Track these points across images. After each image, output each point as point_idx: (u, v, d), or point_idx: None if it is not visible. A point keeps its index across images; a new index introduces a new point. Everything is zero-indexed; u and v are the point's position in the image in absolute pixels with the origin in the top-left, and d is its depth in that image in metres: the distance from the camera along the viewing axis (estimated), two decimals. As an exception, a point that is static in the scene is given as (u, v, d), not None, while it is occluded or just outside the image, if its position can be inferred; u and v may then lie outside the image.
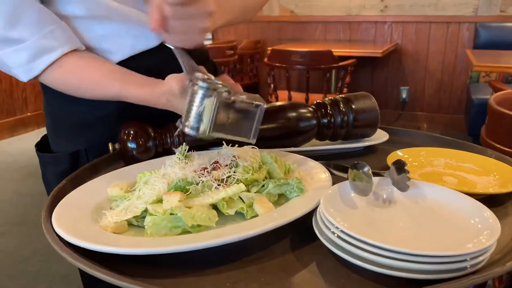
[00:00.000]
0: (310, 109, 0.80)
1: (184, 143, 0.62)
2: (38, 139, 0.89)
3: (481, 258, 0.43)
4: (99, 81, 0.71)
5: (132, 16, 0.75)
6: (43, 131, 0.88)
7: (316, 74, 3.68)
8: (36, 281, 1.92)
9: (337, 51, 3.31)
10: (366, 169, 0.54)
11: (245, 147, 0.64)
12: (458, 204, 0.52)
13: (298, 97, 3.31)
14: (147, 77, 0.70)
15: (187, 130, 0.55)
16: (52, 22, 0.69)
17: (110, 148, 0.71)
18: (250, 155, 0.60)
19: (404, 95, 4.13)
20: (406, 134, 0.92)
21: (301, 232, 0.53)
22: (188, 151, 0.61)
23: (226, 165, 0.57)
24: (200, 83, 0.54)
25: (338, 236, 0.46)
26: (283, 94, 3.31)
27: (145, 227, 0.49)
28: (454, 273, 0.43)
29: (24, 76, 0.71)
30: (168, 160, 0.60)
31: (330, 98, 0.83)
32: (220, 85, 0.54)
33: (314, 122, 0.79)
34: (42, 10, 0.69)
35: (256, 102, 0.56)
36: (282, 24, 4.38)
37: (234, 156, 0.59)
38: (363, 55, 3.42)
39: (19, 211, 2.55)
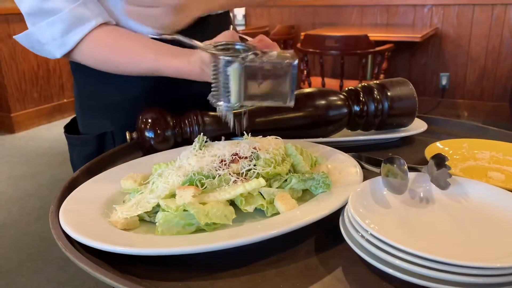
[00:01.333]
0: (341, 96, 0.74)
1: (201, 134, 0.57)
2: None
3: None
4: (133, 52, 0.68)
5: None
6: None
7: (351, 60, 3.57)
8: (68, 265, 1.96)
9: (374, 35, 3.19)
10: (401, 163, 0.48)
11: (269, 137, 0.59)
12: (506, 205, 0.45)
13: (332, 83, 3.22)
14: (181, 48, 0.66)
15: (218, 103, 0.51)
16: None
17: (128, 137, 0.68)
18: (273, 146, 0.55)
19: (444, 82, 3.95)
20: (447, 124, 0.85)
21: (326, 233, 0.48)
22: (206, 142, 0.57)
23: (246, 158, 0.52)
24: (218, 52, 0.49)
25: (367, 240, 0.41)
26: (316, 80, 3.22)
27: (156, 223, 0.46)
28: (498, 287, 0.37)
29: (57, 51, 0.69)
30: (184, 151, 0.56)
31: (363, 84, 0.77)
32: (244, 49, 0.50)
33: (345, 110, 0.73)
34: None
35: (287, 61, 0.50)
36: (316, 8, 4.26)
37: (255, 148, 0.54)
38: (401, 40, 3.28)
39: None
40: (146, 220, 0.49)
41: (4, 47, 3.63)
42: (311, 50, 3.04)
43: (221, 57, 0.49)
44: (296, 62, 0.50)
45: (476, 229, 0.44)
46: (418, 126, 0.79)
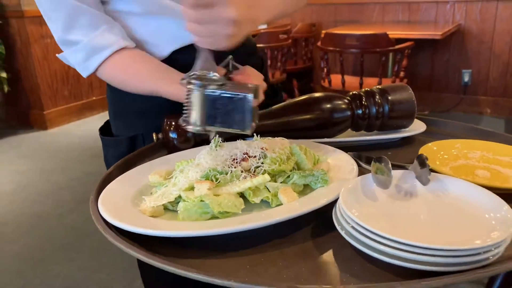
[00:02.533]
0: (345, 100, 0.81)
1: (217, 135, 0.66)
2: (102, 122, 1.01)
3: (491, 254, 0.44)
4: (141, 77, 0.80)
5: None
6: (107, 114, 0.98)
7: (371, 58, 3.59)
8: (99, 255, 2.09)
9: (394, 33, 3.22)
10: (387, 162, 0.56)
11: (276, 138, 0.68)
12: (477, 199, 0.52)
13: (351, 81, 3.27)
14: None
15: (184, 125, 0.60)
16: (102, 23, 0.78)
17: (154, 137, 0.77)
18: (279, 146, 0.64)
19: (466, 79, 3.94)
20: (445, 125, 0.91)
21: (322, 222, 0.56)
22: (221, 142, 0.65)
23: (255, 157, 0.61)
24: (186, 80, 0.58)
25: (353, 228, 0.49)
26: (336, 78, 3.28)
27: (178, 212, 0.55)
28: (464, 266, 0.44)
29: (83, 72, 0.83)
30: (202, 150, 0.65)
31: (366, 89, 0.84)
32: (215, 79, 0.58)
33: (349, 113, 0.80)
34: (94, 14, 0.78)
35: (242, 93, 0.58)
36: (338, 6, 4.30)
37: (263, 148, 0.62)
38: (422, 38, 3.29)
39: (85, 190, 2.75)
40: (169, 208, 0.58)
41: (37, 47, 3.81)
42: (331, 48, 3.10)
43: (187, 86, 0.58)
44: (251, 96, 0.58)
45: (449, 219, 0.52)
46: (418, 127, 0.85)
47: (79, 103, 4.20)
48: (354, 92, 0.84)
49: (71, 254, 2.11)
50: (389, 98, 0.81)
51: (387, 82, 3.18)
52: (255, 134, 0.67)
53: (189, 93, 0.59)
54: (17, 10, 3.67)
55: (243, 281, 0.43)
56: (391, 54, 3.44)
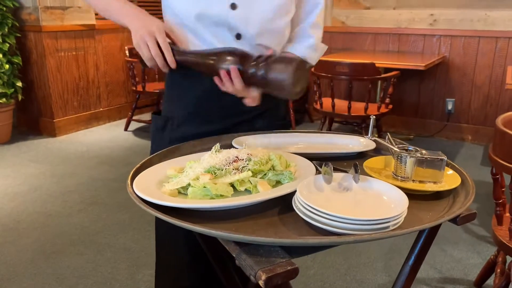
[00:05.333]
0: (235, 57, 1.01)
1: (218, 144, 0.93)
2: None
3: (390, 223, 0.70)
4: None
5: None
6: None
7: (360, 84, 3.89)
8: (104, 250, 2.32)
9: (381, 63, 3.52)
10: (329, 167, 0.82)
11: (259, 148, 0.94)
12: (387, 191, 0.79)
13: (341, 104, 3.55)
14: (144, 13, 1.09)
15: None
16: None
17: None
18: (260, 153, 0.90)
19: (450, 107, 4.23)
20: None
21: (286, 205, 0.81)
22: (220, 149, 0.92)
23: (243, 159, 0.87)
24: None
25: (302, 206, 0.75)
26: (327, 101, 3.56)
27: (188, 194, 0.81)
28: (372, 232, 0.70)
29: None
30: (206, 154, 0.91)
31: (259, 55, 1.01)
32: None
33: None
34: None
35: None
36: (333, 34, 4.62)
37: (249, 154, 0.88)
38: (407, 68, 3.58)
39: (92, 193, 3.00)
40: (181, 192, 0.84)
41: (52, 60, 4.09)
42: (323, 74, 3.39)
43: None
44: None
45: (369, 204, 0.78)
46: (369, 145, 1.12)
47: (87, 113, 4.47)
48: (246, 52, 1.01)
49: (79, 249, 2.34)
50: (270, 66, 0.95)
51: (373, 108, 3.47)
52: (244, 144, 0.93)
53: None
54: (36, 25, 3.96)
55: (229, 232, 0.68)
56: (379, 82, 3.73)
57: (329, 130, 4.01)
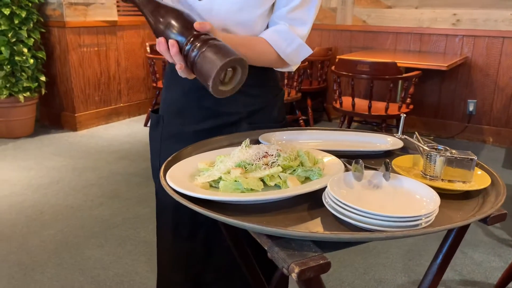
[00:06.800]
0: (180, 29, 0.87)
1: (248, 140, 0.94)
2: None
3: (421, 221, 0.70)
4: None
5: None
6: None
7: (381, 83, 3.86)
8: (125, 243, 2.36)
9: (403, 62, 3.49)
10: (360, 163, 0.83)
11: (288, 144, 0.95)
12: (418, 190, 0.79)
13: (361, 103, 3.53)
14: None
15: None
16: None
17: None
18: (289, 149, 0.91)
19: (471, 108, 4.18)
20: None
21: (316, 200, 0.82)
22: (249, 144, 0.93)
23: (272, 155, 0.88)
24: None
25: (333, 202, 0.75)
26: (347, 100, 3.55)
27: (219, 187, 0.82)
28: (402, 228, 0.70)
29: None
30: (236, 149, 0.92)
31: (208, 36, 0.86)
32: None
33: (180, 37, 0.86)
34: None
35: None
36: (353, 33, 4.59)
37: (278, 149, 0.89)
38: (429, 68, 3.55)
39: (113, 187, 3.05)
40: (212, 185, 0.85)
41: (74, 55, 4.16)
42: (344, 73, 3.38)
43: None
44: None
45: (400, 201, 0.78)
46: (397, 144, 1.12)
47: (107, 108, 4.53)
48: (196, 33, 0.85)
49: (100, 241, 2.38)
50: (203, 50, 0.83)
51: (394, 107, 3.44)
52: (273, 139, 0.94)
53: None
54: (60, 20, 4.03)
55: (262, 225, 0.69)
56: (399, 81, 3.70)
57: (348, 128, 3.99)
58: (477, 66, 4.09)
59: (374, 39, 4.52)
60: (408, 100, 3.49)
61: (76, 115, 4.26)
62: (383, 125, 3.54)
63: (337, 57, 3.63)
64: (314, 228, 0.74)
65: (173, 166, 0.91)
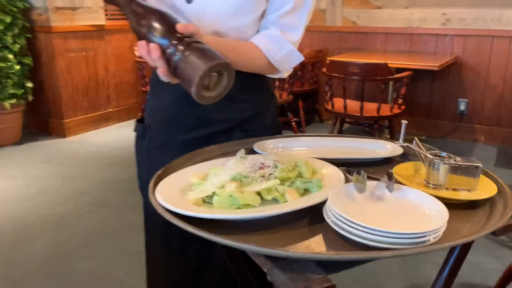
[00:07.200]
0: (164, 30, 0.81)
1: (243, 150, 0.89)
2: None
3: (428, 237, 0.66)
4: None
5: None
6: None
7: (372, 84, 3.83)
8: (117, 254, 2.30)
9: (394, 63, 3.47)
10: (363, 175, 0.78)
11: (285, 154, 0.90)
12: (424, 203, 0.75)
13: (353, 105, 3.51)
14: None
15: None
16: None
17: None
18: (287, 160, 0.86)
19: (462, 107, 4.17)
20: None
21: (316, 214, 0.77)
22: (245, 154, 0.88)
23: (269, 166, 0.83)
24: None
25: (336, 218, 0.71)
26: (339, 102, 3.52)
27: (213, 203, 0.77)
28: (408, 245, 0.66)
29: None
30: (230, 160, 0.87)
31: (191, 39, 0.80)
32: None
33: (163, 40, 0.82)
34: None
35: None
36: (343, 34, 4.57)
37: (275, 160, 0.85)
38: (421, 68, 3.53)
39: (103, 195, 2.98)
40: (206, 201, 0.80)
41: (62, 61, 4.08)
42: (335, 74, 3.35)
43: None
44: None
45: (405, 215, 0.74)
46: (396, 150, 1.08)
47: (96, 114, 4.45)
48: (180, 36, 0.80)
49: (91, 252, 2.32)
50: (186, 53, 0.78)
51: (386, 108, 3.42)
52: (269, 149, 0.89)
53: None
54: (46, 25, 3.95)
55: (261, 246, 0.65)
56: (391, 82, 3.69)
57: (341, 130, 3.96)
58: (467, 65, 4.08)
59: (364, 40, 4.50)
60: (400, 101, 3.47)
61: (64, 121, 4.18)
62: (375, 126, 3.51)
63: (328, 58, 3.60)
64: (317, 246, 0.69)
65: (163, 180, 0.86)
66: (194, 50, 0.77)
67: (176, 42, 0.78)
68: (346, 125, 4.21)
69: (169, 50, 0.78)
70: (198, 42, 0.80)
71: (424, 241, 0.66)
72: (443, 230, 0.69)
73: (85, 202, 2.87)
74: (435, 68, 3.41)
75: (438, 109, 4.30)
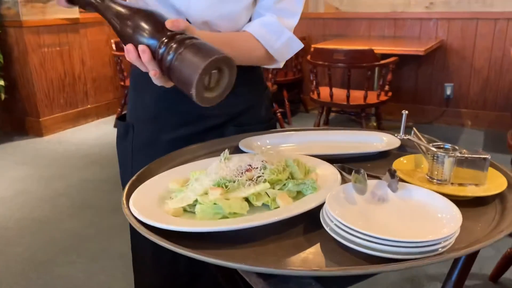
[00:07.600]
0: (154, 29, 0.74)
1: (227, 151, 0.79)
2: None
3: (440, 245, 0.58)
4: None
5: None
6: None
7: (358, 72, 3.76)
8: (98, 257, 2.19)
9: (379, 49, 3.39)
10: (363, 173, 0.70)
11: (273, 153, 0.81)
12: (432, 202, 0.66)
13: (339, 93, 3.42)
14: None
15: None
16: None
17: None
18: (276, 159, 0.77)
19: (448, 92, 4.13)
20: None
21: (312, 221, 0.69)
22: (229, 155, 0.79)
23: (257, 168, 0.74)
24: None
25: (336, 225, 0.62)
26: (325, 90, 3.43)
27: (196, 212, 0.68)
28: (419, 255, 0.58)
29: None
30: (213, 162, 0.78)
31: (181, 34, 0.72)
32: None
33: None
34: None
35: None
36: (327, 20, 4.48)
37: (263, 161, 0.76)
38: (406, 53, 3.47)
39: (83, 196, 2.86)
40: (187, 210, 0.71)
41: (35, 56, 3.91)
42: (320, 62, 3.25)
43: None
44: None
45: (412, 218, 0.65)
46: (393, 143, 1.00)
47: (74, 111, 4.29)
48: (171, 33, 0.72)
49: (72, 257, 2.21)
50: (180, 51, 0.69)
51: (373, 96, 3.35)
52: (255, 147, 0.80)
53: None
54: (16, 20, 3.77)
55: (251, 264, 0.56)
56: (376, 69, 3.61)
57: (327, 120, 3.89)
58: (452, 49, 4.03)
59: (347, 26, 4.42)
60: (386, 88, 3.40)
61: (40, 119, 4.02)
62: (362, 114, 3.44)
63: (312, 46, 3.51)
64: (315, 259, 0.61)
65: (139, 187, 0.76)
66: (188, 47, 0.69)
67: (167, 40, 0.70)
68: (332, 114, 4.13)
69: (160, 50, 0.70)
70: (191, 38, 0.71)
71: (437, 249, 0.58)
72: (456, 235, 0.61)
73: (64, 205, 2.75)
74: (421, 53, 3.34)
75: (424, 94, 4.25)
